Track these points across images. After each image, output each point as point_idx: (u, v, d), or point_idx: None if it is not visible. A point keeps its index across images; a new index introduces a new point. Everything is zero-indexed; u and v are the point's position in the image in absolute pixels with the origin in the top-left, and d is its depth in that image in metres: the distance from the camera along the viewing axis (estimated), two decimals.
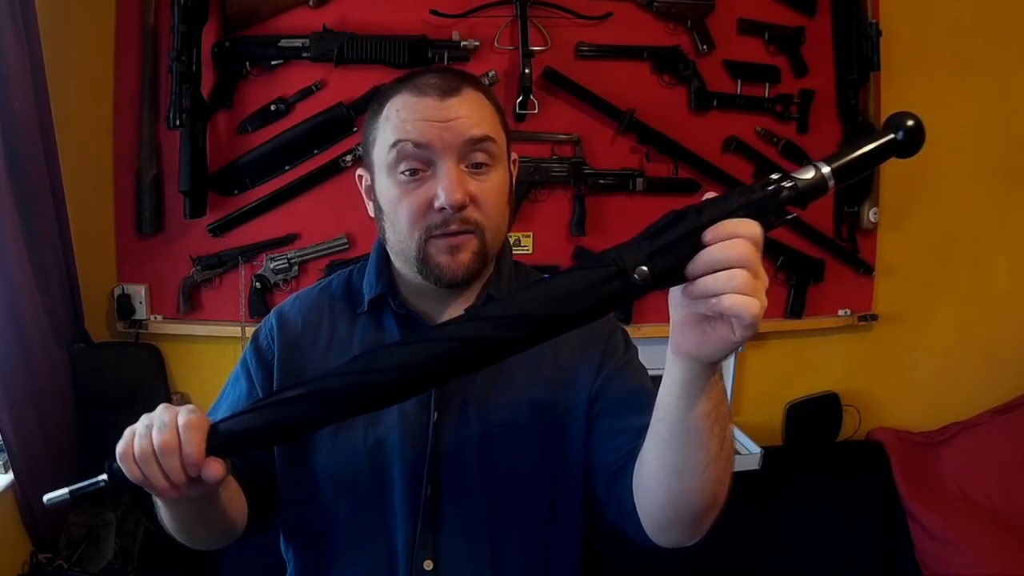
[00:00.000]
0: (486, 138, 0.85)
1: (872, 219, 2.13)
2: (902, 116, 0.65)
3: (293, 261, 1.89)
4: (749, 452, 2.01)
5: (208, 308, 1.90)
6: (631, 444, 0.81)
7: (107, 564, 1.64)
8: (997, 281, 2.31)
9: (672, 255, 0.62)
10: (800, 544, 2.04)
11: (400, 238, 0.87)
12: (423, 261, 0.86)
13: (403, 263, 0.90)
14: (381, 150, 0.87)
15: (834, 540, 2.06)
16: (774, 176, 0.65)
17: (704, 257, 0.60)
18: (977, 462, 2.15)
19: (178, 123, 1.74)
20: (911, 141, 0.64)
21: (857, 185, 2.10)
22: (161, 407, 0.71)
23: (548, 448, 0.91)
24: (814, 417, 2.21)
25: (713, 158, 2.04)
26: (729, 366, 2.17)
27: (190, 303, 1.88)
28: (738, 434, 2.11)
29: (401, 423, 0.89)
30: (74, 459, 1.72)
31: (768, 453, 1.97)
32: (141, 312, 1.87)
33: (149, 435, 0.68)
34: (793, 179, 0.64)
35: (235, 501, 0.86)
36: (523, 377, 0.91)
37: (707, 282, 0.60)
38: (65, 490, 0.70)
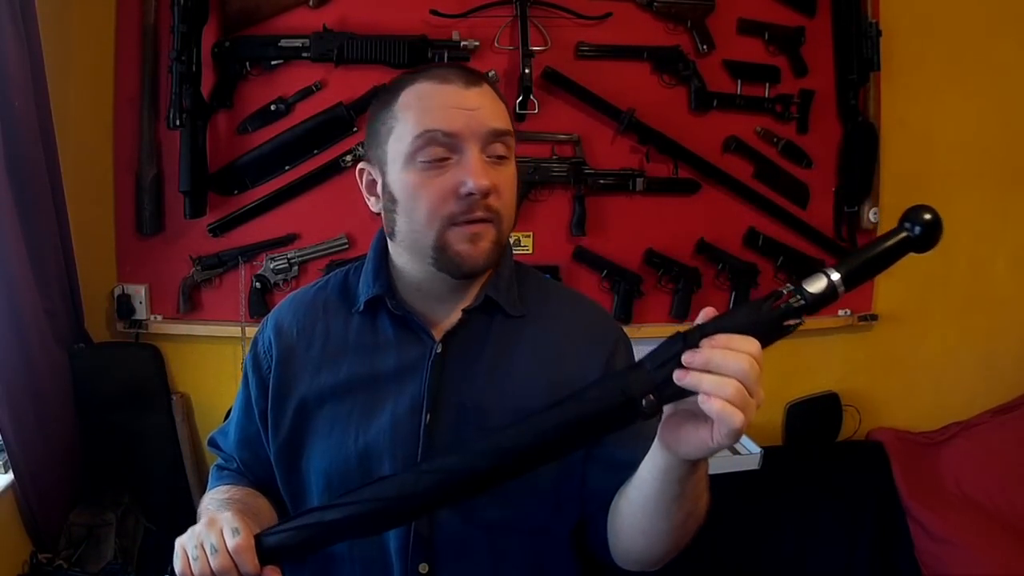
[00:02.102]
0: (507, 131, 0.86)
1: (872, 219, 2.13)
2: (918, 211, 0.66)
3: (293, 261, 1.89)
4: (749, 452, 2.01)
5: (208, 308, 1.90)
6: (618, 479, 0.85)
7: (107, 564, 1.64)
8: (997, 281, 2.31)
9: (675, 385, 0.63)
10: (800, 544, 2.04)
11: (415, 227, 0.86)
12: (441, 250, 0.85)
13: (412, 257, 0.89)
14: (400, 141, 0.85)
15: (834, 540, 2.06)
16: (783, 290, 0.65)
17: (704, 355, 0.62)
18: (977, 462, 2.15)
19: (178, 123, 1.74)
20: (927, 235, 0.66)
21: (857, 185, 2.11)
22: (203, 526, 0.74)
23: None
24: (814, 417, 2.21)
25: (713, 158, 2.04)
26: None
27: (190, 303, 1.88)
28: None
29: (392, 426, 0.89)
30: (74, 459, 1.72)
31: (768, 453, 1.97)
32: (141, 312, 1.87)
33: (205, 558, 0.71)
34: (802, 292, 0.64)
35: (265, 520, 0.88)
36: (522, 383, 0.90)
37: (702, 380, 0.62)
38: None
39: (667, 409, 0.68)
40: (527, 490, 0.89)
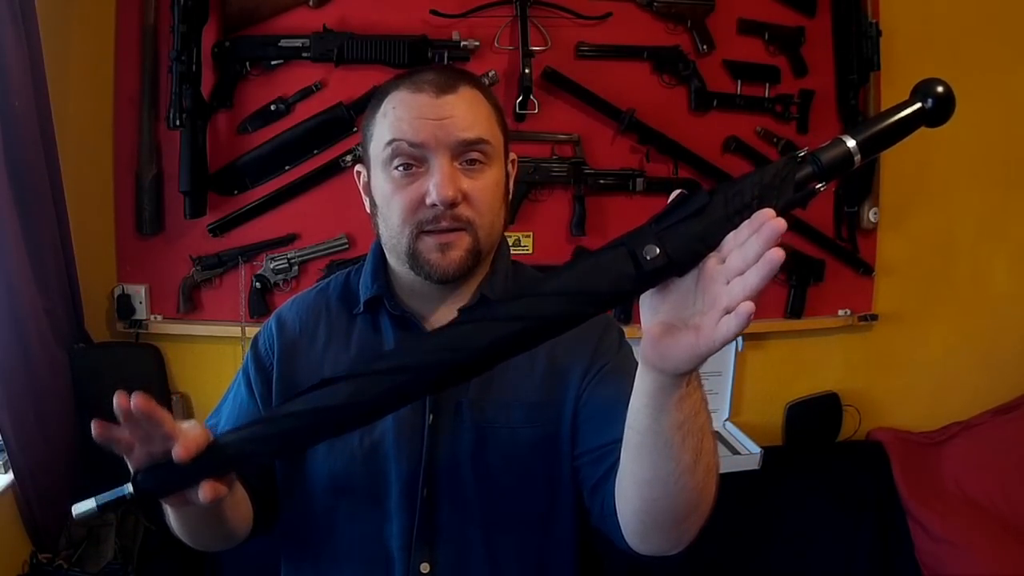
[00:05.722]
0: (480, 140, 0.86)
1: (872, 219, 2.13)
2: (931, 83, 0.62)
3: (293, 261, 1.89)
4: (749, 452, 2.01)
5: (208, 308, 1.90)
6: (616, 452, 0.78)
7: (107, 564, 1.64)
8: (997, 281, 2.31)
9: (683, 236, 0.58)
10: (800, 544, 2.04)
11: (392, 233, 0.88)
12: (413, 257, 0.86)
13: (396, 259, 0.91)
14: (377, 146, 0.87)
15: (834, 540, 2.06)
16: (798, 155, 0.60)
17: (749, 246, 0.55)
18: (977, 462, 2.15)
19: (178, 123, 1.74)
20: (941, 109, 0.61)
21: (857, 185, 2.11)
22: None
23: (542, 449, 0.91)
24: (814, 417, 2.21)
25: (713, 158, 2.04)
26: (729, 366, 2.17)
27: (190, 303, 1.88)
28: (738, 434, 2.11)
29: (396, 426, 0.89)
30: (74, 459, 1.72)
31: (768, 453, 1.97)
32: (141, 312, 1.87)
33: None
34: (815, 155, 0.59)
35: (240, 507, 0.87)
36: (517, 378, 0.91)
37: (735, 282, 0.55)
38: (91, 500, 0.68)
39: (648, 323, 0.62)
40: (520, 476, 0.90)
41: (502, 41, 1.90)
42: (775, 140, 2.07)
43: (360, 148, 0.95)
